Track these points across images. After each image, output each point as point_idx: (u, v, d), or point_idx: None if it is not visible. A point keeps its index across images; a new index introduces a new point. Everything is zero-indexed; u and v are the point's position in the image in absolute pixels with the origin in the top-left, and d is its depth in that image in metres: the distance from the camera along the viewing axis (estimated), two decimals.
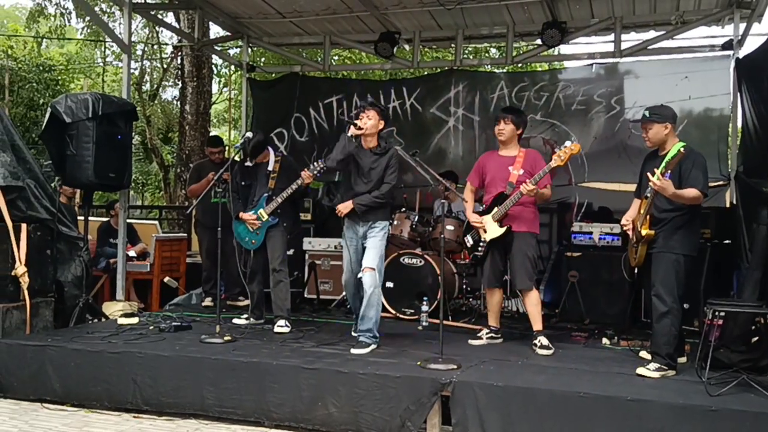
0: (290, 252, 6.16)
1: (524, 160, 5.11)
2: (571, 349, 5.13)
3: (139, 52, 17.24)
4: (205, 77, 11.94)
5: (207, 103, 12.23)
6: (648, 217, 4.37)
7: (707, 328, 4.32)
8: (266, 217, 5.60)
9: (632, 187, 4.84)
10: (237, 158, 5.94)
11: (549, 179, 5.01)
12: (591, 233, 6.51)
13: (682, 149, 4.15)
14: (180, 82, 12.90)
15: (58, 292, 5.74)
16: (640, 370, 4.25)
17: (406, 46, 8.98)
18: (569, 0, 7.25)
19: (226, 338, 5.01)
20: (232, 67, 15.77)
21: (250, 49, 9.26)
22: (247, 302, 6.29)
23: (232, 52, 13.64)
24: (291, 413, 4.22)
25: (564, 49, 8.61)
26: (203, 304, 6.98)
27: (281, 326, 5.50)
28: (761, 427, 3.51)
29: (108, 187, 6.84)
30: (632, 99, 7.55)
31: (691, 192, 4.21)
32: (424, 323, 6.02)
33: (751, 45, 6.53)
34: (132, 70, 8.69)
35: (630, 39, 7.80)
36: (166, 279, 7.36)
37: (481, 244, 5.21)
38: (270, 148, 5.84)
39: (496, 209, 5.07)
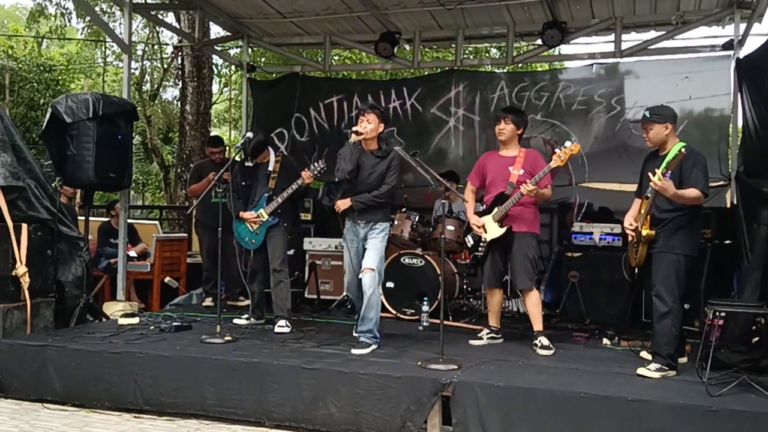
0: (291, 252, 6.16)
1: (525, 160, 5.11)
2: (571, 349, 5.13)
3: (139, 52, 17.24)
4: (205, 77, 11.94)
5: (207, 103, 12.23)
6: (648, 217, 4.37)
7: (708, 329, 4.33)
8: (266, 217, 5.60)
9: (633, 188, 4.84)
10: (237, 158, 5.94)
11: (549, 179, 5.01)
12: (591, 233, 6.51)
13: (682, 149, 4.15)
14: (180, 82, 12.89)
15: (58, 292, 5.75)
16: (641, 371, 4.25)
17: (407, 46, 8.98)
18: (569, 0, 7.25)
19: (226, 338, 5.01)
20: (233, 67, 15.76)
21: (250, 49, 9.27)
22: (247, 302, 6.29)
23: (232, 52, 13.64)
24: (291, 413, 4.22)
25: (564, 49, 8.60)
26: (204, 304, 6.98)
27: (282, 326, 5.50)
28: (761, 427, 3.51)
29: (108, 187, 6.85)
30: (633, 99, 7.54)
31: (691, 192, 4.22)
32: (424, 323, 6.02)
33: (751, 45, 6.54)
34: (132, 70, 8.70)
35: (630, 39, 7.80)
36: (167, 279, 7.36)
37: (482, 244, 5.21)
38: (270, 148, 5.84)
39: (496, 209, 5.08)
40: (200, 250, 7.34)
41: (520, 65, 8.56)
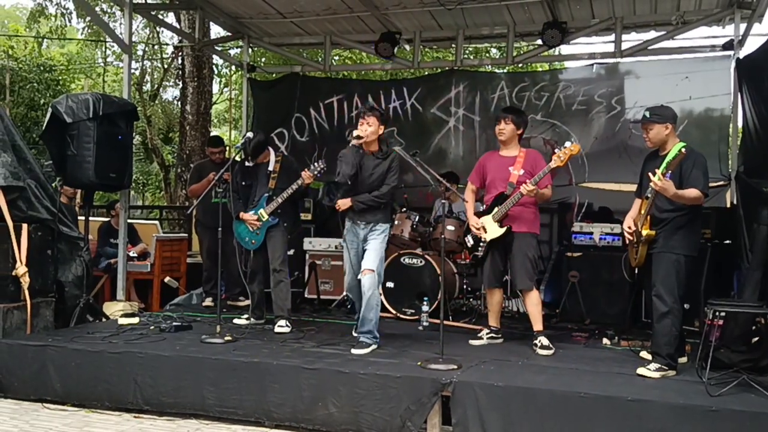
0: (291, 252, 6.16)
1: (525, 160, 5.11)
2: (571, 349, 5.13)
3: (139, 53, 17.25)
4: (205, 77, 11.94)
5: (207, 103, 12.23)
6: (648, 217, 4.37)
7: (708, 329, 4.32)
8: (266, 217, 5.60)
9: (633, 188, 4.84)
10: (237, 158, 5.94)
11: (549, 179, 5.01)
12: (591, 233, 6.51)
13: (682, 149, 4.15)
14: (180, 83, 12.89)
15: (58, 292, 5.75)
16: (641, 371, 4.25)
17: (407, 47, 8.98)
18: (570, 0, 7.25)
19: (226, 338, 5.01)
20: (233, 68, 15.77)
21: (250, 50, 9.27)
22: (247, 302, 6.29)
23: (232, 52, 13.64)
24: (291, 413, 4.22)
25: (564, 49, 8.63)
26: (204, 304, 6.99)
27: (282, 326, 5.51)
28: (761, 427, 3.51)
29: (108, 187, 6.84)
30: (633, 99, 7.54)
31: (691, 192, 4.22)
32: (424, 323, 6.02)
33: (751, 45, 6.54)
34: (132, 71, 8.70)
35: (630, 39, 7.81)
36: (167, 279, 7.36)
37: (482, 244, 5.21)
38: (270, 148, 5.84)
39: (496, 209, 5.08)
40: (200, 250, 7.35)
41: (520, 65, 8.56)
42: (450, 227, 6.35)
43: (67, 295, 5.84)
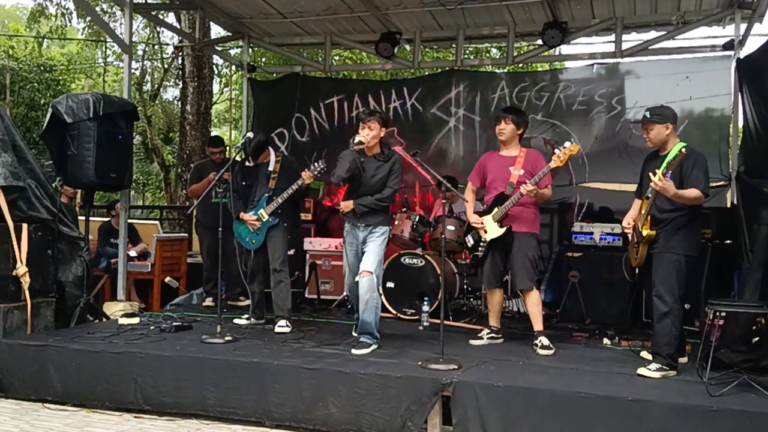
0: (291, 252, 6.16)
1: (525, 160, 5.11)
2: (571, 349, 5.13)
3: (140, 53, 17.24)
4: (206, 77, 11.94)
5: (208, 103, 12.24)
6: (649, 217, 4.37)
7: (708, 329, 4.32)
8: (267, 217, 5.60)
9: (633, 188, 4.84)
10: (238, 158, 5.94)
11: (549, 179, 5.02)
12: (592, 233, 6.51)
13: (683, 150, 4.15)
14: (181, 82, 12.89)
15: (59, 292, 5.75)
16: (641, 371, 4.25)
17: (407, 47, 8.98)
18: (570, 0, 7.24)
19: (227, 338, 5.02)
20: (233, 68, 15.77)
21: (250, 50, 9.27)
22: (247, 302, 6.29)
23: (233, 52, 13.65)
24: (292, 413, 4.22)
25: (565, 49, 8.60)
26: (204, 304, 6.99)
27: (282, 326, 5.51)
28: (762, 427, 3.51)
29: (109, 187, 6.84)
30: (633, 99, 7.54)
31: (692, 192, 4.22)
32: (424, 323, 6.02)
33: (752, 45, 6.54)
34: (133, 71, 8.70)
35: (631, 39, 7.80)
36: (167, 279, 7.36)
37: (482, 244, 5.21)
38: (271, 149, 5.85)
39: (496, 209, 5.08)
40: (200, 250, 7.35)
41: (520, 65, 8.56)
42: (450, 227, 6.34)
43: (68, 295, 5.84)
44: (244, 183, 5.78)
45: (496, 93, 8.06)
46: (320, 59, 9.75)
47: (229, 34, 9.20)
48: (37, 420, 4.35)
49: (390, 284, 6.35)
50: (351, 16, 7.94)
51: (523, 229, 5.06)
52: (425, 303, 6.08)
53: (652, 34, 7.68)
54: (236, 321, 5.87)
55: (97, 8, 12.88)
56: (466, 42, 8.41)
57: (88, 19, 13.21)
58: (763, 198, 5.30)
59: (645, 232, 4.37)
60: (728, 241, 6.13)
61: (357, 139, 4.94)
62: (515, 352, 4.94)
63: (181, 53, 13.06)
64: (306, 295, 7.24)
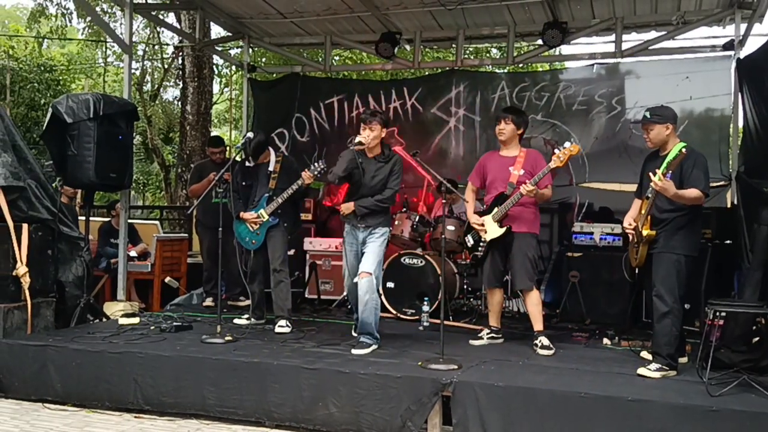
0: (291, 252, 6.16)
1: (525, 160, 5.11)
2: (571, 349, 5.13)
3: (140, 53, 17.24)
4: (206, 77, 11.94)
5: (208, 103, 12.24)
6: (649, 217, 4.37)
7: (708, 329, 4.32)
8: (267, 217, 5.60)
9: (633, 188, 4.84)
10: (238, 158, 5.94)
11: (550, 179, 5.02)
12: (592, 233, 6.51)
13: (683, 150, 4.15)
14: (181, 83, 12.90)
15: (59, 292, 5.75)
16: (641, 371, 4.25)
17: (407, 47, 8.98)
18: (570, 0, 7.24)
19: (227, 338, 5.02)
20: (233, 68, 15.77)
21: (251, 50, 9.26)
22: (248, 302, 6.29)
23: (233, 52, 13.64)
24: (292, 413, 4.22)
25: (565, 49, 8.62)
26: (204, 304, 6.99)
27: (282, 326, 5.51)
28: (762, 427, 3.51)
29: (109, 187, 6.85)
30: (633, 99, 7.54)
31: (692, 192, 4.22)
32: (424, 323, 6.02)
33: (752, 45, 6.53)
34: (133, 71, 8.70)
35: (631, 39, 7.79)
36: (167, 279, 7.37)
37: (481, 243, 5.21)
38: (271, 149, 5.85)
39: (496, 209, 5.08)
40: (201, 250, 7.35)
41: (520, 65, 8.55)
42: (450, 227, 6.34)
43: (68, 295, 5.84)
44: (244, 183, 5.78)
45: (497, 93, 8.06)
46: (320, 59, 9.74)
47: (229, 34, 9.20)
48: (37, 420, 4.35)
49: (390, 284, 6.35)
50: (351, 16, 7.94)
51: (523, 229, 5.06)
52: (425, 303, 6.08)
53: (652, 34, 7.68)
54: (236, 321, 5.87)
55: (97, 8, 12.88)
56: (466, 42, 8.41)
57: (88, 19, 13.22)
58: (763, 198, 5.30)
59: (645, 232, 4.37)
60: (728, 241, 6.13)
61: (357, 139, 4.94)
62: (515, 352, 4.94)
63: (181, 53, 13.07)
64: (306, 295, 7.24)
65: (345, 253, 5.18)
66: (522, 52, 8.38)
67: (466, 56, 10.13)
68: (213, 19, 8.53)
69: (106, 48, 18.69)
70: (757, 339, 4.63)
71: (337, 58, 13.13)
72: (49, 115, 5.99)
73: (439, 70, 8.83)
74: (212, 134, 12.06)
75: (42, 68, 16.88)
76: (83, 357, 4.66)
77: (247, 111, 9.18)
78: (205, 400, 4.38)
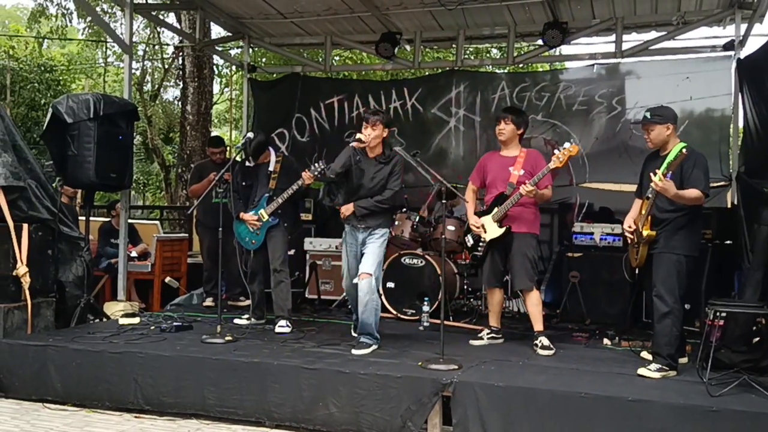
0: (291, 252, 6.16)
1: (525, 160, 5.11)
2: (572, 349, 5.13)
3: (140, 53, 17.24)
4: (206, 77, 11.94)
5: (208, 103, 12.24)
6: (649, 217, 4.37)
7: (708, 329, 4.32)
8: (267, 217, 5.60)
9: (633, 188, 4.84)
10: (238, 158, 5.95)
11: (549, 180, 5.01)
12: (592, 233, 6.51)
13: (683, 150, 4.15)
14: (181, 83, 12.89)
15: (59, 292, 5.75)
16: (641, 371, 4.25)
17: (407, 47, 8.98)
18: (570, 0, 7.24)
19: (227, 338, 5.01)
20: (234, 68, 15.76)
21: (251, 50, 9.27)
22: (248, 302, 6.29)
23: (233, 52, 13.63)
24: (292, 413, 4.22)
25: (565, 49, 8.61)
26: (204, 304, 6.99)
27: (282, 326, 5.51)
28: (762, 427, 3.51)
29: (109, 188, 6.85)
30: (633, 99, 7.54)
31: (692, 192, 4.22)
32: (425, 323, 6.02)
33: (752, 45, 6.54)
34: (133, 71, 8.69)
35: (631, 39, 7.79)
36: (167, 279, 7.37)
37: (481, 243, 5.21)
38: (271, 149, 5.85)
39: (495, 210, 5.08)
40: (201, 250, 7.35)
41: (520, 65, 8.55)
42: (450, 227, 6.35)
43: (68, 295, 5.84)
44: (244, 183, 5.78)
45: (497, 93, 8.06)
46: (320, 59, 9.74)
47: (230, 34, 9.20)
48: (37, 420, 4.35)
49: (390, 284, 6.34)
50: (351, 16, 7.94)
51: (522, 230, 5.06)
52: (425, 303, 6.08)
53: (653, 35, 7.68)
54: (236, 321, 5.87)
55: (98, 8, 12.87)
56: (466, 42, 8.41)
57: (89, 19, 13.22)
58: (764, 198, 5.30)
59: (645, 233, 4.37)
60: (728, 242, 6.14)
61: (358, 136, 4.94)
62: (515, 352, 4.93)
63: (181, 53, 13.06)
64: (306, 295, 7.23)
65: (344, 254, 5.18)
66: (522, 53, 8.38)
67: (466, 56, 10.15)
68: (213, 19, 8.54)
69: (107, 48, 18.72)
70: (757, 339, 4.63)
71: (337, 58, 13.12)
72: (49, 115, 5.99)
73: (440, 71, 8.83)
74: (212, 134, 12.06)
75: (42, 68, 16.88)
76: (83, 357, 4.66)
77: (247, 111, 9.18)
78: (205, 400, 4.38)
